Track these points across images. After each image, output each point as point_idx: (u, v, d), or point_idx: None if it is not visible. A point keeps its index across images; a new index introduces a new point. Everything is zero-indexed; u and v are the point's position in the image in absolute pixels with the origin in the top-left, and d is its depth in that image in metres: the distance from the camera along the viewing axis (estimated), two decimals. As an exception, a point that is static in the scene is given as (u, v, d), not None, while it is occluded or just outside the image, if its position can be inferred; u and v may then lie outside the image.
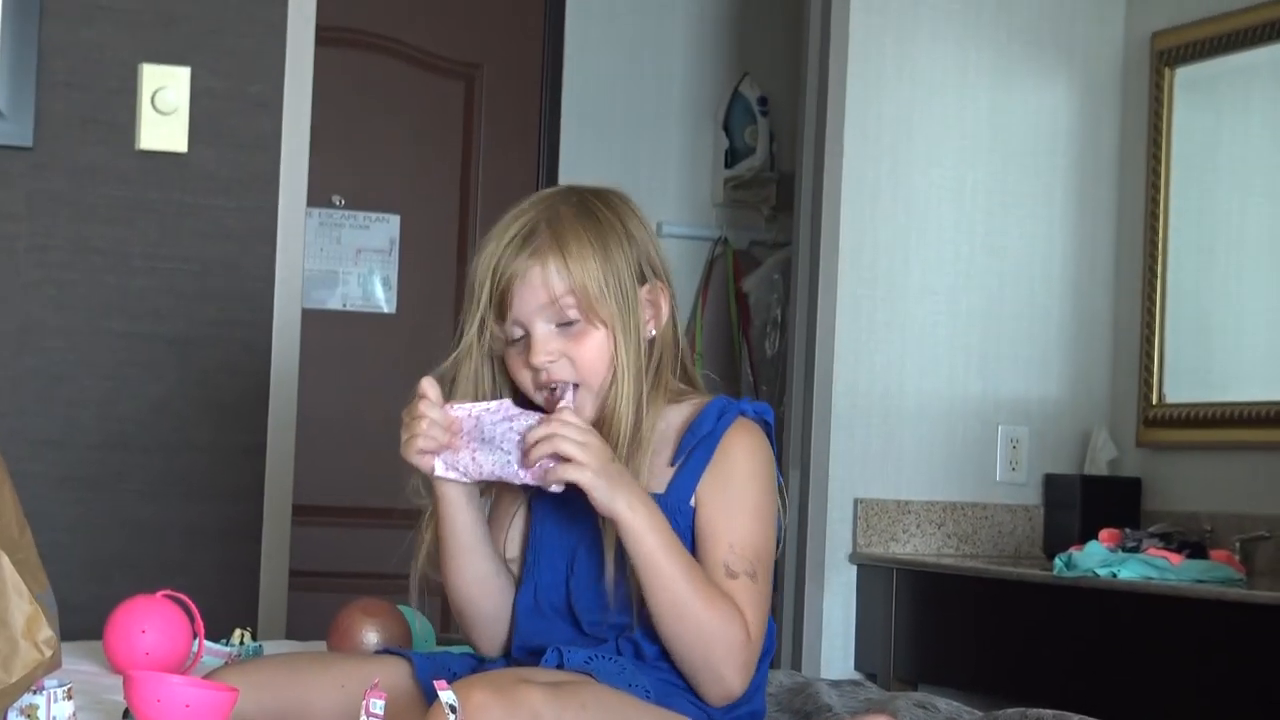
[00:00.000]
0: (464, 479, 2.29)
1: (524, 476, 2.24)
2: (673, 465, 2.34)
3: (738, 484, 2.31)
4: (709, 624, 2.24)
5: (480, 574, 2.39)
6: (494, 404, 2.28)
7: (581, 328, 2.32)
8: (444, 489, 2.31)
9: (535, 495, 2.39)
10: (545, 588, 2.37)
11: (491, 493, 2.43)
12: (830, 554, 4.69)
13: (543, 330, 2.33)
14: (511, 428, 2.24)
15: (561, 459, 2.19)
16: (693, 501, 2.32)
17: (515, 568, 2.43)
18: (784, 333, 5.70)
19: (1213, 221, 4.68)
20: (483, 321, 2.36)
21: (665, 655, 2.31)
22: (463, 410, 2.28)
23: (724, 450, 2.32)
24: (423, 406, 2.28)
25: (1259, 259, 4.56)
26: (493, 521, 2.44)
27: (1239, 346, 4.62)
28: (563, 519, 2.37)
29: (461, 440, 2.27)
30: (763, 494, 2.33)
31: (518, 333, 2.34)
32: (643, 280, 2.37)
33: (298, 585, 4.00)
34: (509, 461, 2.24)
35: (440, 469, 2.29)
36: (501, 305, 2.34)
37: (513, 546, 2.44)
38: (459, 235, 5.45)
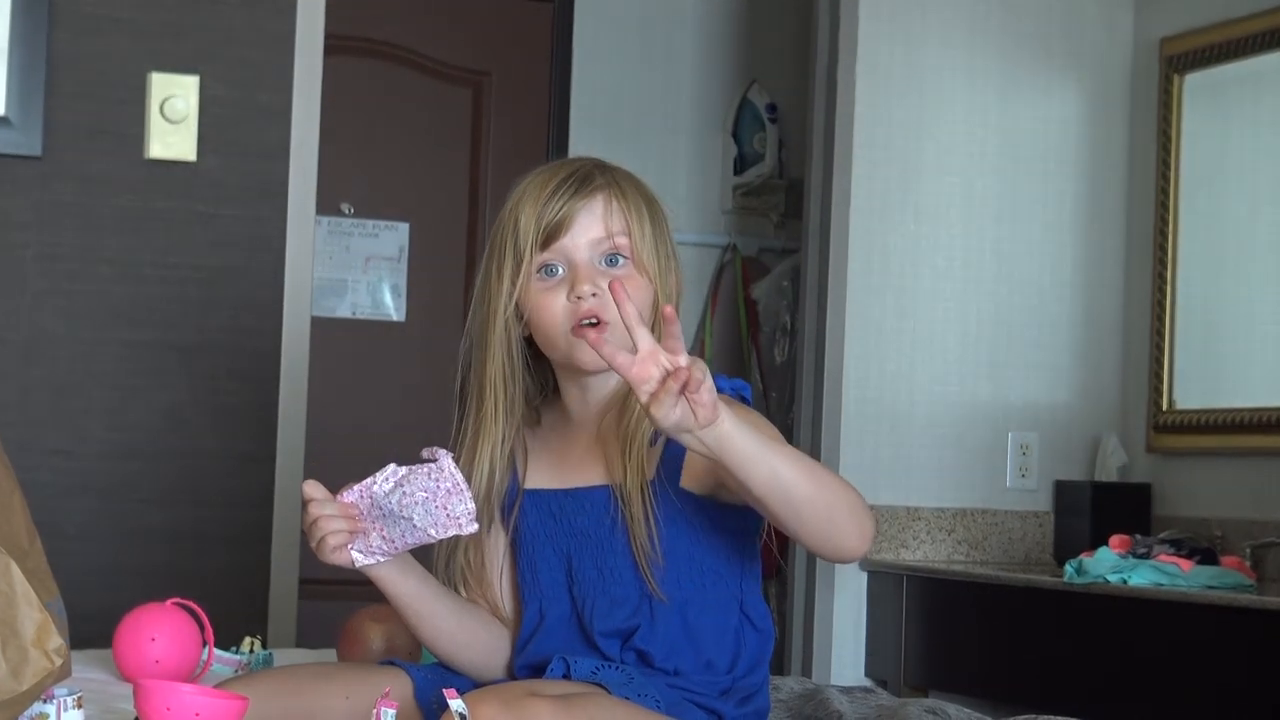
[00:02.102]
0: (385, 559, 2.26)
1: (436, 535, 2.21)
2: (653, 445, 2.32)
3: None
4: (830, 473, 2.18)
5: (449, 629, 2.37)
6: (379, 475, 2.22)
7: (627, 269, 2.32)
8: (372, 571, 2.29)
9: (514, 520, 2.38)
10: (550, 600, 2.36)
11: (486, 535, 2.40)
12: (840, 561, 4.69)
13: (588, 264, 2.31)
14: (405, 493, 2.20)
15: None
16: (683, 483, 2.30)
17: (510, 604, 2.42)
18: (793, 339, 5.70)
19: (1222, 227, 4.68)
20: (517, 259, 2.32)
21: (672, 654, 2.30)
22: (353, 494, 2.23)
23: None
24: (313, 508, 2.24)
25: (1268, 265, 4.55)
26: (485, 566, 2.41)
27: (1249, 352, 4.61)
28: (549, 531, 2.37)
29: (366, 523, 2.24)
30: (769, 426, 2.30)
31: (556, 264, 2.32)
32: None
33: (307, 593, 4.00)
34: (413, 528, 2.21)
35: (359, 559, 2.25)
36: (548, 237, 2.31)
37: (507, 584, 2.42)
38: (468, 243, 5.45)
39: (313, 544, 2.25)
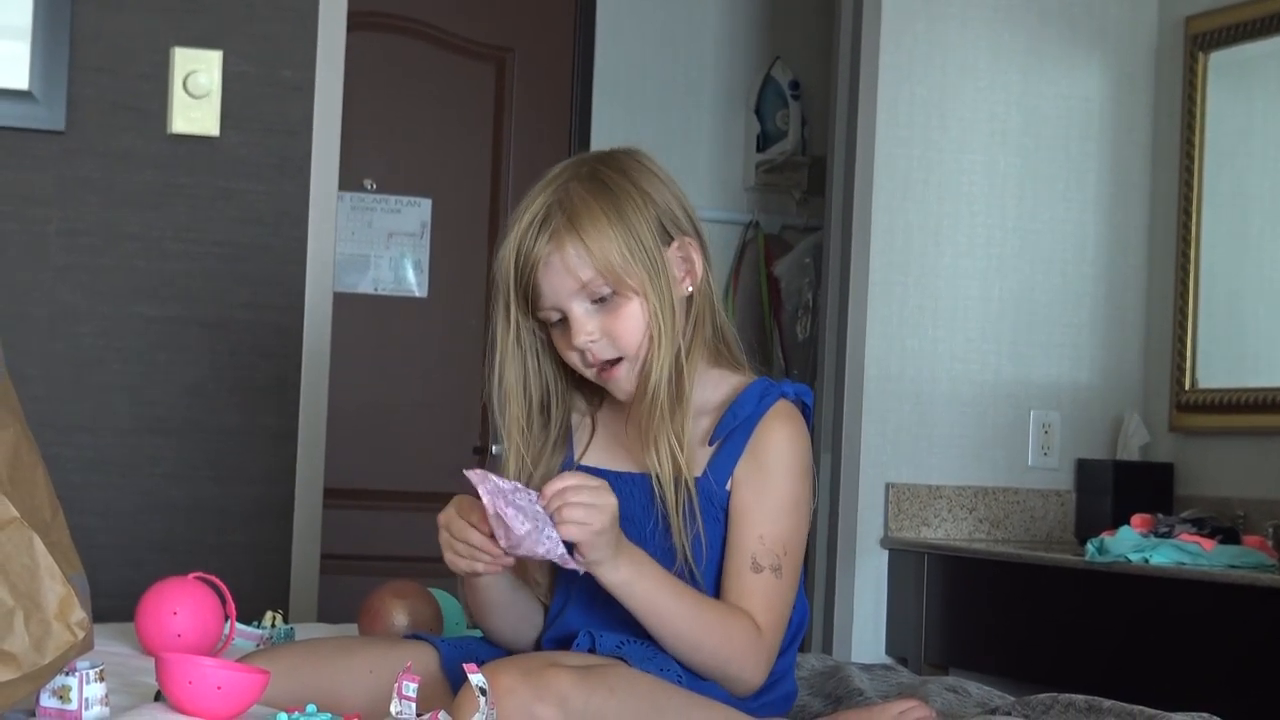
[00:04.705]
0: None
1: (544, 548, 2.20)
2: (710, 445, 2.34)
3: (774, 474, 2.32)
4: (719, 649, 2.27)
5: (512, 621, 2.41)
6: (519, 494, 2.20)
7: (616, 302, 2.32)
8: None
9: None
10: (586, 576, 2.37)
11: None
12: (861, 538, 4.69)
13: (579, 311, 2.33)
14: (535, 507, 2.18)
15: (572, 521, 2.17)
16: (728, 485, 2.33)
17: (545, 578, 2.44)
18: (815, 317, 5.69)
19: (1246, 206, 4.66)
20: (508, 312, 2.36)
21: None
22: (500, 492, 2.18)
23: (762, 436, 2.33)
24: (474, 538, 2.21)
25: (1293, 243, 4.54)
26: None
27: (1272, 331, 4.60)
28: None
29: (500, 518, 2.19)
30: (798, 486, 2.34)
31: (555, 316, 2.35)
32: (669, 239, 2.36)
33: (329, 568, 4.01)
34: (535, 534, 2.18)
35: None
36: (531, 294, 2.34)
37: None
38: (490, 219, 5.45)
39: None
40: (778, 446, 2.34)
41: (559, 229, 2.31)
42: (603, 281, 2.31)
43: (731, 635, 2.27)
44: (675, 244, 2.37)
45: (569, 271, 2.31)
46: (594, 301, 2.32)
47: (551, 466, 2.40)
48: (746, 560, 2.30)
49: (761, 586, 2.30)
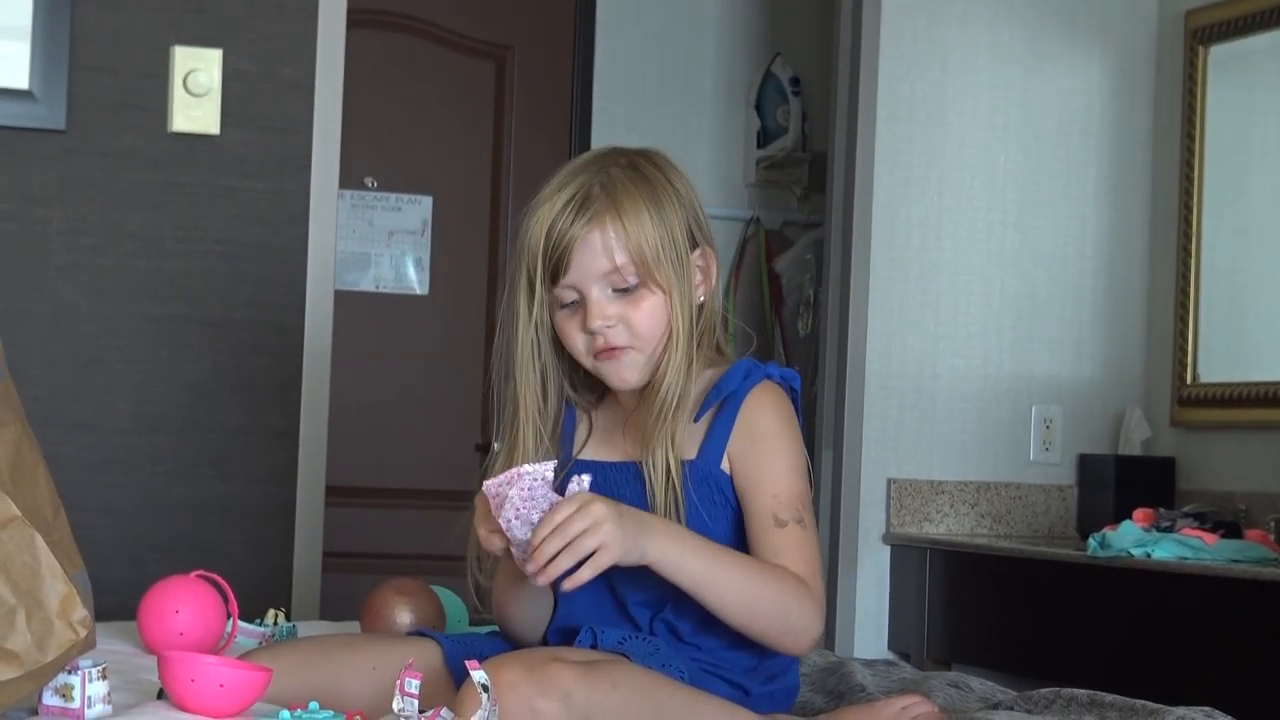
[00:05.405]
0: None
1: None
2: (696, 423, 2.35)
3: (771, 440, 2.33)
4: (776, 598, 2.26)
5: (531, 610, 2.41)
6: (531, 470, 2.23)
7: (639, 294, 2.33)
8: None
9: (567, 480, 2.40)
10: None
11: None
12: (863, 534, 4.69)
13: (599, 295, 2.33)
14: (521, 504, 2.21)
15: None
16: (724, 465, 2.33)
17: None
18: (816, 313, 5.69)
19: (1247, 200, 4.66)
20: (531, 286, 2.36)
21: (701, 629, 2.32)
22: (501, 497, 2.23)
23: (749, 410, 2.34)
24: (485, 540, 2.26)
25: (1293, 237, 4.54)
26: None
27: (1274, 325, 4.60)
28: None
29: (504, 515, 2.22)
30: (794, 444, 2.36)
31: (570, 296, 2.34)
32: (694, 245, 2.37)
33: (331, 566, 4.01)
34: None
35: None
36: (555, 269, 2.33)
37: None
38: (491, 216, 5.45)
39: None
40: (767, 415, 2.35)
41: (601, 210, 2.32)
42: (634, 270, 2.32)
43: (784, 584, 2.27)
44: (699, 251, 2.39)
45: (605, 252, 2.31)
46: (615, 290, 2.33)
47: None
48: (768, 520, 2.31)
49: (790, 539, 2.30)
